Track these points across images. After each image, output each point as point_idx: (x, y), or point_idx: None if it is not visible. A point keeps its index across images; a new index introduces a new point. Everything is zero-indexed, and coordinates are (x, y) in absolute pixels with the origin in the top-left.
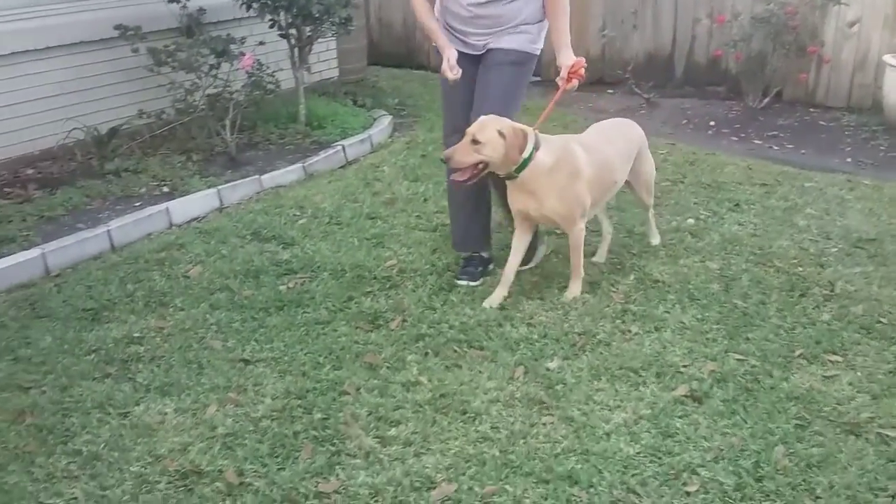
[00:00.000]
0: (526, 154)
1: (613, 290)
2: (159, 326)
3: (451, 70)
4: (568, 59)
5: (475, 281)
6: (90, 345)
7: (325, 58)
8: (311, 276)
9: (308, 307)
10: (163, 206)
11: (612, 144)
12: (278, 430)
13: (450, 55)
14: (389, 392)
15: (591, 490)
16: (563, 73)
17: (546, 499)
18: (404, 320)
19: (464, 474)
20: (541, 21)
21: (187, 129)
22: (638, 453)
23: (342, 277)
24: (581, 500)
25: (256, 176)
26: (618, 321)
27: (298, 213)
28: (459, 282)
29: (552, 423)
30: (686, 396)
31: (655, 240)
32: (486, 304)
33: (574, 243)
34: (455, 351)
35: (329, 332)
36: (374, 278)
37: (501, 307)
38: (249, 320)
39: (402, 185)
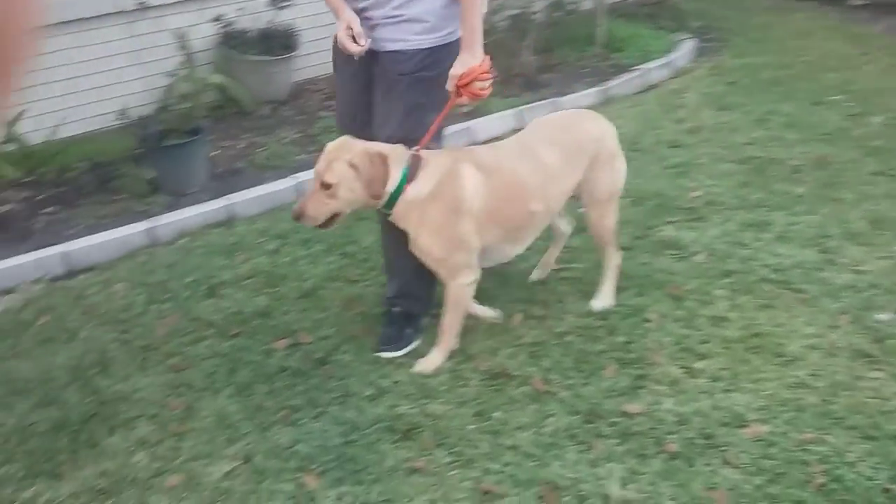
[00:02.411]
0: (393, 186)
1: None
2: None
3: (359, 38)
4: (459, 66)
5: (398, 350)
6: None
7: None
8: None
9: None
10: (464, 124)
11: (537, 156)
12: (581, 346)
13: (350, 19)
14: (695, 325)
15: None
16: (450, 86)
17: (872, 455)
18: (710, 254)
19: (777, 418)
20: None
21: (489, 49)
22: None
23: (643, 205)
24: None
25: (554, 98)
26: None
27: None
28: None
29: (881, 378)
30: None
31: (599, 303)
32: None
33: (452, 300)
34: (767, 291)
35: (630, 259)
36: (677, 208)
37: (822, 250)
38: (549, 238)
39: (707, 113)
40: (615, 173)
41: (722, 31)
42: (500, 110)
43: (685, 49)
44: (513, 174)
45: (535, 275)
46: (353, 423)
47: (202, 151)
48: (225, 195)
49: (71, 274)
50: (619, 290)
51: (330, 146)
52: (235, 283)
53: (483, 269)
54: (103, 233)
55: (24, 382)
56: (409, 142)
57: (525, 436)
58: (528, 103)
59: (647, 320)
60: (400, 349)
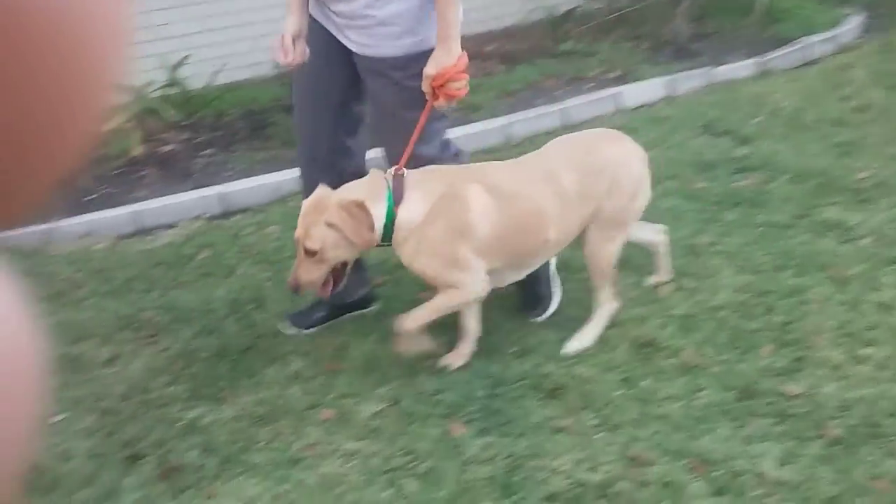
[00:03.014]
0: (381, 220)
1: None
2: None
3: (286, 53)
4: (433, 64)
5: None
6: None
7: None
8: (768, 177)
9: (765, 208)
10: (614, 90)
11: (558, 181)
12: (736, 323)
13: (288, 25)
14: (861, 310)
15: None
16: (426, 87)
17: None
18: (878, 238)
19: None
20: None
21: (641, 14)
22: None
23: (804, 183)
24: None
25: (708, 68)
26: None
27: (754, 110)
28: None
29: None
30: None
31: (573, 344)
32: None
33: (452, 294)
34: None
35: (789, 238)
36: (842, 189)
37: None
38: (702, 212)
39: (877, 92)
40: (633, 200)
41: (894, 6)
42: (651, 77)
43: (852, 24)
44: (531, 202)
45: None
46: (497, 378)
47: None
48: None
49: (227, 214)
50: (778, 269)
51: (305, 208)
52: None
53: None
54: (257, 177)
55: (188, 311)
56: (423, 158)
57: (675, 407)
58: (679, 71)
59: (807, 302)
60: (545, 311)
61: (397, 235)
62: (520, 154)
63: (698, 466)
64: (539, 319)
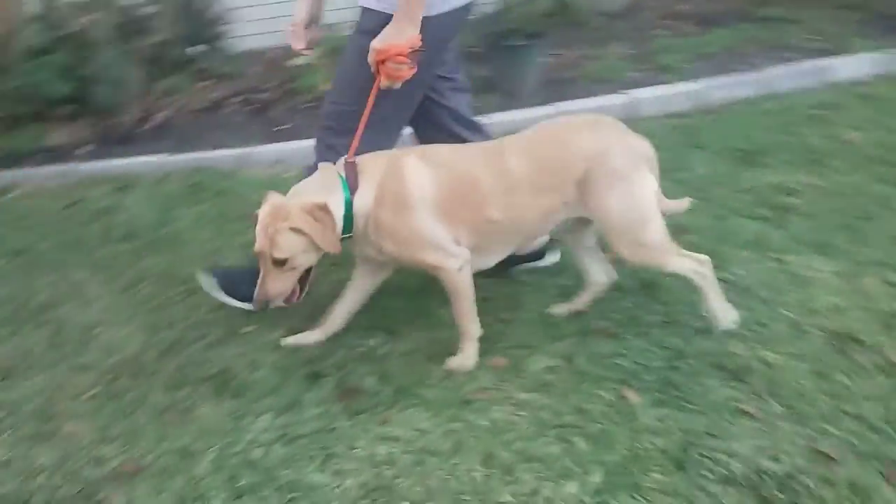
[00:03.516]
0: (341, 211)
1: None
2: (815, 184)
3: (295, 38)
4: (378, 39)
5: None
6: (744, 184)
7: None
8: None
9: None
10: (821, 62)
11: (502, 163)
12: None
13: (299, 11)
14: None
15: None
16: (370, 59)
17: None
18: None
19: None
20: None
21: None
22: None
23: None
24: None
25: None
26: None
27: None
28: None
29: None
30: None
31: (724, 319)
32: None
33: (450, 291)
34: None
35: None
36: None
37: None
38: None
39: None
40: (629, 197)
41: None
42: (862, 51)
43: None
44: (466, 174)
45: (556, 309)
46: (677, 351)
47: (538, 56)
48: (554, 102)
49: None
50: None
51: (262, 216)
52: None
53: None
54: None
55: None
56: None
57: (872, 407)
58: (892, 48)
59: None
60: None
61: (358, 224)
62: (714, 121)
63: (893, 474)
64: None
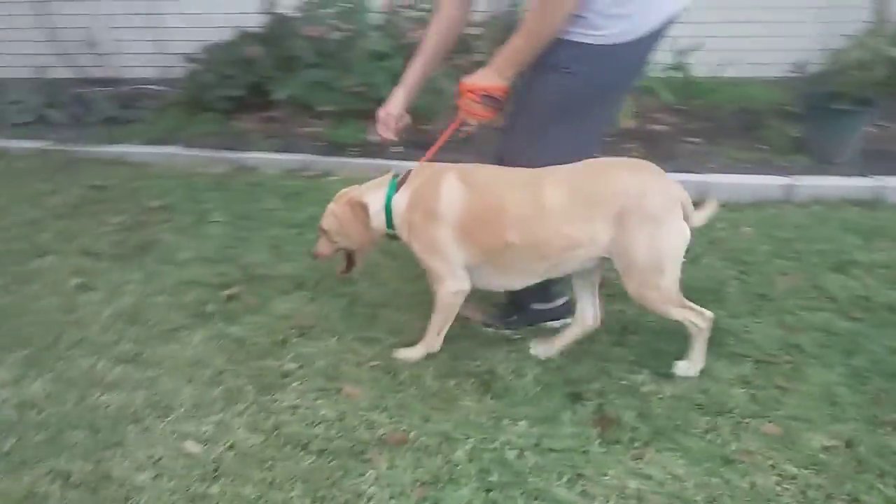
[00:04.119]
0: (378, 209)
1: None
2: None
3: (384, 127)
4: (471, 76)
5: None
6: None
7: None
8: None
9: None
10: None
11: (537, 191)
12: None
13: (394, 100)
14: None
15: None
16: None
17: None
18: None
19: None
20: None
21: None
22: None
23: None
24: None
25: None
26: None
27: None
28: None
29: None
30: None
31: (684, 368)
32: None
33: (437, 304)
34: None
35: None
36: None
37: None
38: None
39: None
40: (657, 240)
41: None
42: None
43: None
44: (495, 199)
45: (538, 351)
46: None
47: (863, 124)
48: (873, 175)
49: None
50: None
51: (336, 196)
52: (868, 267)
53: None
54: (739, 175)
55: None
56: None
57: None
58: None
59: None
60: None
61: (395, 222)
62: None
63: None
64: (491, 330)
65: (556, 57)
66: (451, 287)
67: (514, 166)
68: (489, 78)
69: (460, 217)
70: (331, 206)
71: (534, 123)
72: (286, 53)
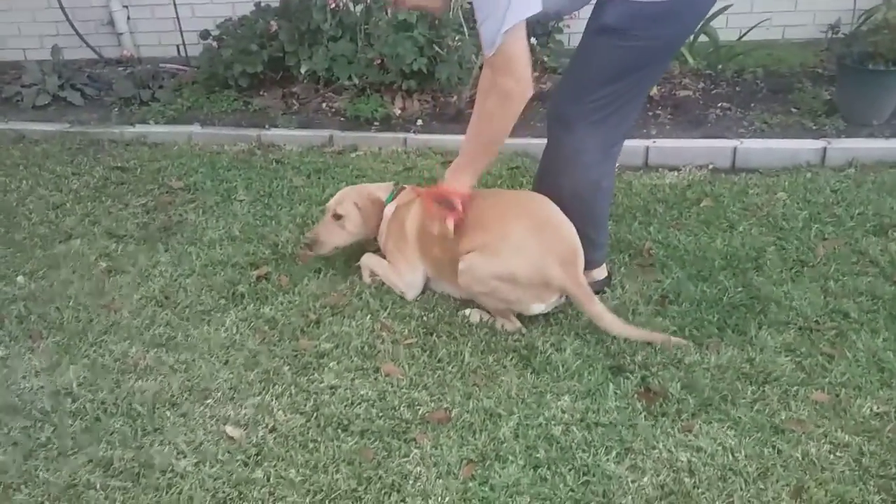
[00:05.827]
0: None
1: None
2: None
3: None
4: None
5: None
6: None
7: None
8: None
9: None
10: None
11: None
12: None
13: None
14: None
15: None
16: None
17: None
18: None
19: None
20: None
21: None
22: None
23: None
24: None
25: None
26: None
27: None
28: None
29: None
30: None
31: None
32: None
33: (384, 263)
34: None
35: None
36: None
37: None
38: None
39: None
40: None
41: None
42: None
43: None
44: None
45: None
46: None
47: None
48: None
49: (734, 170)
50: None
51: (345, 189)
52: None
53: None
54: (773, 140)
55: (683, 252)
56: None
57: None
58: None
59: None
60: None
61: (382, 224)
62: None
63: None
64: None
65: (608, 17)
66: (405, 283)
67: (562, 124)
68: (463, 181)
69: (417, 232)
70: (350, 196)
71: (582, 83)
72: (306, 27)
